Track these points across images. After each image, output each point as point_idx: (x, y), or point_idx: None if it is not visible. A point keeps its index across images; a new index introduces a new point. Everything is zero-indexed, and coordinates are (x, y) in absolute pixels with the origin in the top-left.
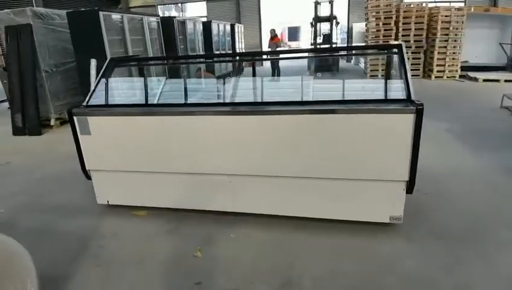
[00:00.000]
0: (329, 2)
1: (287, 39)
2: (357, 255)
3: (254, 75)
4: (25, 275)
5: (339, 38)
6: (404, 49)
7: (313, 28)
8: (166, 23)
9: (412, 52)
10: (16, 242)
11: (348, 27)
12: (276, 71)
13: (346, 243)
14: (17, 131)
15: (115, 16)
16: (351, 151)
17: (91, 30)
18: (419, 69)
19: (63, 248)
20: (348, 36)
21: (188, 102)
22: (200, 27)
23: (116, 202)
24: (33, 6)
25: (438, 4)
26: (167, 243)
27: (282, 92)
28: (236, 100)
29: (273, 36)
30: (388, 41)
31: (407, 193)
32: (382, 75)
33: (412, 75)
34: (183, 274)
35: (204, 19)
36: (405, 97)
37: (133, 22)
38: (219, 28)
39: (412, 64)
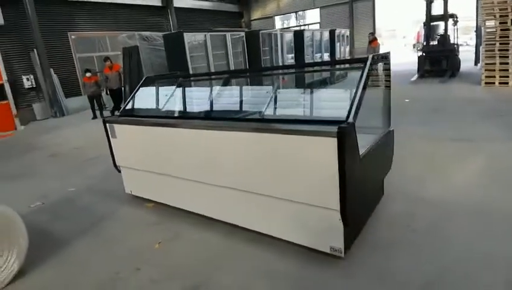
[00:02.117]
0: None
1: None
2: (280, 279)
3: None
4: (18, 234)
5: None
6: (368, 64)
7: (426, 29)
8: (251, 36)
9: None
10: (7, 207)
11: (477, 26)
12: None
13: (278, 265)
14: None
15: (199, 35)
16: (281, 170)
17: (178, 48)
18: None
19: (82, 222)
20: (477, 36)
21: (174, 114)
22: (289, 37)
23: (136, 193)
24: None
25: None
26: (147, 233)
27: (241, 102)
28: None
29: (371, 40)
30: (509, 43)
31: (344, 225)
32: (500, 83)
33: None
34: (135, 259)
35: (318, 26)
36: (344, 118)
37: (217, 39)
38: (313, 35)
39: None
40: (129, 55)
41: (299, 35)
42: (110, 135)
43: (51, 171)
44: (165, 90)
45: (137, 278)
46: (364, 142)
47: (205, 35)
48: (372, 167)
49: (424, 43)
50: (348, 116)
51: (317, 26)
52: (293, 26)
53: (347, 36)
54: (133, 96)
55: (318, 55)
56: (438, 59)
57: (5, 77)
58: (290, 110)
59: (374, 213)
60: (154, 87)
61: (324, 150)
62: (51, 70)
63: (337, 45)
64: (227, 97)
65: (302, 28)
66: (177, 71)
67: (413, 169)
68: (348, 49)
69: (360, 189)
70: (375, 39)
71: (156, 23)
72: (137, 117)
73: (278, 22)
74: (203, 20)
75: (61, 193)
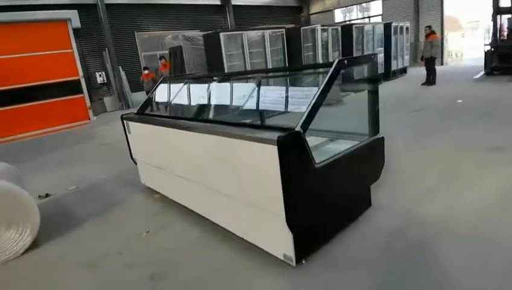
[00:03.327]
0: None
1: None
2: (230, 277)
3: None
4: (31, 214)
5: None
6: (332, 70)
7: (493, 22)
8: (292, 33)
9: None
10: (24, 191)
11: None
12: (431, 75)
13: (235, 265)
14: None
15: (235, 35)
16: (237, 173)
17: (214, 47)
18: None
19: (98, 206)
20: None
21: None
22: (334, 32)
23: (147, 184)
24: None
25: None
26: (143, 221)
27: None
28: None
29: (428, 34)
30: None
31: (292, 233)
32: None
33: None
34: (122, 244)
35: (380, 18)
36: (295, 125)
37: (254, 37)
38: (364, 30)
39: None
40: (174, 55)
41: (346, 30)
42: (127, 130)
43: (96, 159)
44: (173, 91)
45: (116, 261)
46: (338, 150)
47: (242, 34)
48: (343, 176)
49: (492, 37)
50: (298, 124)
51: (379, 19)
52: (355, 19)
53: (407, 28)
54: (150, 96)
55: (367, 49)
56: (508, 55)
57: (81, 74)
58: (258, 112)
59: (352, 225)
60: (167, 88)
61: (268, 157)
62: (120, 67)
63: (394, 38)
64: (211, 97)
65: (351, 22)
66: (214, 70)
67: (425, 180)
68: (406, 43)
69: (318, 198)
70: (432, 33)
71: (215, 21)
72: (146, 116)
73: (340, 15)
74: (261, 16)
75: (95, 179)
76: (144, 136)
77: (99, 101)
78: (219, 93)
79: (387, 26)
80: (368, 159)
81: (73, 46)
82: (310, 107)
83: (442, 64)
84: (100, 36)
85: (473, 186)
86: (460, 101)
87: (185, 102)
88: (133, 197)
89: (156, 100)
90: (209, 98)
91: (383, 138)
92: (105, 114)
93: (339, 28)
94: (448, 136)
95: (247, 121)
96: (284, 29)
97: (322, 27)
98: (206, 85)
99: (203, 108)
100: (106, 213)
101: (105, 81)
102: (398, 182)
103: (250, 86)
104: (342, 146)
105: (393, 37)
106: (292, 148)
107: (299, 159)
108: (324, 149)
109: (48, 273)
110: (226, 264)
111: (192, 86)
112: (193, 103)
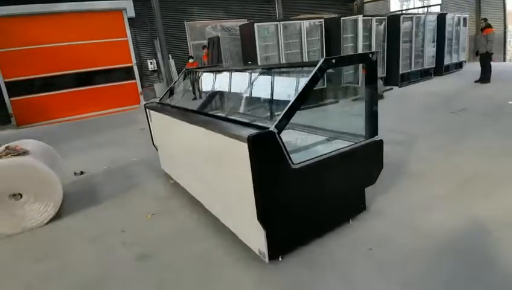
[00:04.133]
0: None
1: None
2: (209, 265)
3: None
4: (55, 190)
5: None
6: (315, 70)
7: None
8: (331, 24)
9: None
10: (51, 171)
11: None
12: (486, 70)
13: (218, 255)
14: None
15: (270, 25)
16: (216, 165)
17: (249, 38)
18: None
19: (120, 186)
20: None
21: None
22: (380, 23)
23: (165, 170)
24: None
25: None
26: (153, 204)
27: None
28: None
29: (484, 27)
30: None
31: (264, 230)
32: None
33: None
34: (128, 223)
35: (439, 8)
36: (269, 125)
37: (289, 28)
38: (413, 21)
39: None
40: (212, 45)
41: (393, 20)
42: (149, 118)
43: (134, 142)
44: (191, 82)
45: (115, 238)
46: (327, 150)
47: (276, 25)
48: (328, 178)
49: None
50: (273, 125)
51: (438, 9)
52: (411, 8)
53: (464, 20)
54: (172, 86)
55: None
56: None
57: (134, 61)
58: (251, 107)
59: (341, 229)
60: (186, 79)
61: (240, 154)
62: (169, 55)
63: (449, 31)
64: (220, 88)
65: (407, 11)
66: (248, 60)
67: (436, 188)
68: (464, 36)
69: (296, 199)
70: (488, 26)
71: (264, 10)
72: (163, 105)
73: (397, 5)
74: (311, 5)
75: (125, 161)
76: (160, 125)
77: (150, 87)
78: (230, 85)
79: (441, 18)
80: (362, 162)
81: (128, 35)
82: (287, 108)
83: (504, 60)
84: (152, 25)
85: (486, 201)
86: (511, 102)
87: (196, 93)
88: (151, 181)
89: (176, 91)
90: (217, 89)
91: (381, 141)
92: (155, 99)
93: (386, 19)
94: (482, 142)
95: (254, 114)
96: (322, 20)
97: (365, 17)
98: (219, 76)
99: (210, 99)
100: (124, 193)
101: (155, 69)
102: (407, 187)
103: (269, 78)
104: (337, 146)
105: (447, 29)
106: (264, 147)
107: (272, 158)
108: (315, 149)
109: (58, 243)
110: (207, 253)
111: (207, 78)
112: (202, 95)
